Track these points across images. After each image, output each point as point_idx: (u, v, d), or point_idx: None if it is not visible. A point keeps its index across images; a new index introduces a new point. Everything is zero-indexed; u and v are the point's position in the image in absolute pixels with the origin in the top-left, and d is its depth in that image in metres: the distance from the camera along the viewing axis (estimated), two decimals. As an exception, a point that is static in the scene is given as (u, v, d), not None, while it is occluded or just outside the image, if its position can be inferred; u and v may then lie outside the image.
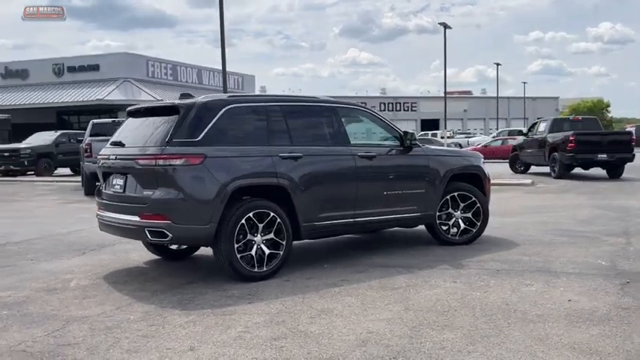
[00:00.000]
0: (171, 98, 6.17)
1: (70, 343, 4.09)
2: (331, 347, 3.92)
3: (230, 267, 5.61)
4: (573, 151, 16.78)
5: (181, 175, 5.45)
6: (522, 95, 74.70)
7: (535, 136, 19.51)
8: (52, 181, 21.64)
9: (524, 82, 73.61)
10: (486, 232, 7.81)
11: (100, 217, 6.24)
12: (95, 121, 18.08)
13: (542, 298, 4.94)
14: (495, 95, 65.86)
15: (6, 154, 24.42)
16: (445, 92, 40.45)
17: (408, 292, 5.25)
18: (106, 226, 6.12)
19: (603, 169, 17.81)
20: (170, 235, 5.43)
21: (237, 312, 4.75)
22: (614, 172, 17.55)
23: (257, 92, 56.17)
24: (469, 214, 7.41)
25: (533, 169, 20.48)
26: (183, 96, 6.15)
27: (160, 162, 5.45)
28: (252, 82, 53.11)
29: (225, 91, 24.15)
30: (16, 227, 9.97)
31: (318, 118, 6.51)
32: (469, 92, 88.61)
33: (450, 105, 71.24)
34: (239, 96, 6.31)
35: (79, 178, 17.94)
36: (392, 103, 74.41)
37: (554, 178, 17.59)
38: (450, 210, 7.37)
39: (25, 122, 40.84)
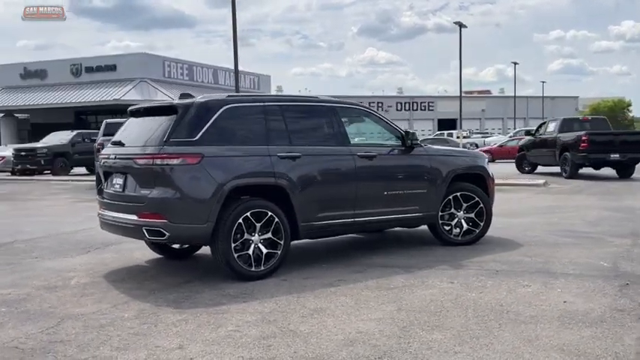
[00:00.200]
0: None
1: (62, 340, 4.14)
2: (318, 347, 3.92)
3: (227, 266, 5.63)
4: (586, 151, 16.76)
5: (178, 175, 5.49)
6: (541, 94, 74.07)
7: (544, 136, 19.46)
8: (68, 180, 21.89)
9: (543, 82, 73.04)
10: (492, 232, 7.77)
11: (101, 216, 6.31)
12: (108, 120, 18.25)
13: (537, 300, 4.91)
14: (515, 94, 65.40)
15: (23, 153, 24.81)
16: (460, 92, 40.19)
17: (404, 292, 5.24)
18: (107, 225, 6.18)
19: (614, 168, 17.76)
20: (167, 234, 5.47)
21: (231, 311, 4.78)
22: (625, 171, 17.51)
23: (273, 92, 56.34)
24: (472, 215, 7.37)
25: (540, 169, 20.47)
26: (183, 96, 6.19)
27: (158, 161, 5.50)
28: (268, 82, 53.23)
29: (237, 90, 24.26)
30: (26, 225, 10.10)
31: (317, 118, 6.51)
32: (488, 92, 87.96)
33: (468, 104, 70.95)
34: (238, 96, 6.34)
35: (94, 178, 18.11)
36: (408, 103, 74.11)
37: (566, 178, 17.54)
38: (453, 210, 7.34)
39: (44, 122, 41.51)
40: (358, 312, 4.67)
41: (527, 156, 20.64)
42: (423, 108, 74.59)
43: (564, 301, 4.83)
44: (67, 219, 10.90)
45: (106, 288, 5.66)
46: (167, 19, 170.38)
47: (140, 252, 7.15)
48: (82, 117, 44.25)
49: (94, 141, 20.59)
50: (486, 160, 7.89)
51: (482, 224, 7.38)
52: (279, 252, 5.87)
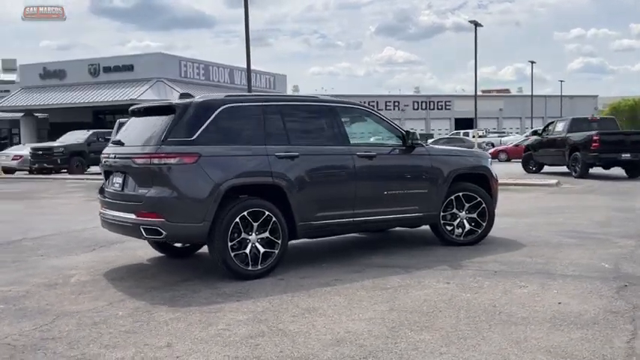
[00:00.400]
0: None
1: (54, 337, 4.20)
2: (305, 346, 3.93)
3: (224, 265, 5.67)
4: (597, 151, 16.85)
5: (175, 174, 5.53)
6: (559, 94, 73.33)
7: (552, 136, 19.54)
8: (83, 179, 22.13)
9: (561, 81, 72.37)
10: (496, 232, 7.73)
11: (102, 215, 6.37)
12: (121, 120, 18.31)
13: (532, 301, 4.87)
14: (534, 94, 64.81)
15: (40, 152, 25.14)
16: (475, 90, 39.95)
17: (398, 292, 5.23)
18: (108, 223, 6.25)
19: (624, 168, 17.84)
20: (164, 232, 5.52)
21: (224, 310, 4.80)
22: (635, 171, 17.53)
23: (289, 92, 56.43)
24: (474, 215, 7.33)
25: (547, 168, 20.54)
26: (183, 96, 6.22)
27: (155, 161, 5.55)
28: (284, 81, 53.25)
29: (249, 90, 24.37)
30: (37, 223, 10.24)
31: (316, 118, 6.52)
32: (507, 90, 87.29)
33: (486, 104, 70.44)
34: (236, 96, 6.36)
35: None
36: (425, 102, 73.77)
37: (575, 177, 17.60)
38: (455, 210, 7.30)
39: (62, 121, 41.92)
40: (350, 312, 4.67)
41: (534, 156, 20.75)
42: (439, 107, 74.19)
43: (559, 303, 4.79)
44: (78, 217, 11.02)
45: (104, 286, 5.72)
46: (187, 19, 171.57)
47: (143, 250, 7.21)
48: (100, 116, 44.62)
49: (108, 140, 20.79)
50: (490, 160, 7.84)
51: (484, 224, 7.34)
52: (276, 251, 5.89)
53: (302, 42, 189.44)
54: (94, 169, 25.75)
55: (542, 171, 20.68)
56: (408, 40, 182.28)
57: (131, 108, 6.55)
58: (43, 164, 24.98)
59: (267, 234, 5.85)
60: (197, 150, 5.59)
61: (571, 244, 7.33)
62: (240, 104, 6.07)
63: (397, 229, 8.05)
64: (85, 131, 26.41)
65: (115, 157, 6.12)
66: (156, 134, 5.69)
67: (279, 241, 5.90)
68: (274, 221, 5.85)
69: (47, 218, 11.09)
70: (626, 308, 4.62)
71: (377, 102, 71.22)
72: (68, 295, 5.40)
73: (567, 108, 72.25)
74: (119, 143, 6.18)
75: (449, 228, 7.31)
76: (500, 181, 16.17)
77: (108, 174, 6.34)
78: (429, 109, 73.36)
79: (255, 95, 6.69)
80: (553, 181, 16.26)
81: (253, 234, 5.78)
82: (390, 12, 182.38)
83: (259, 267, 5.79)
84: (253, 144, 5.94)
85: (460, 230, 7.33)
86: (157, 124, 5.83)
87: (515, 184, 16.15)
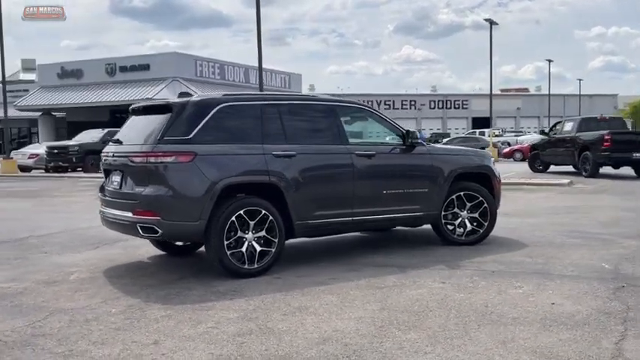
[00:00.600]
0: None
1: (45, 334, 4.25)
2: (290, 345, 3.94)
3: (219, 263, 5.69)
4: (608, 150, 16.93)
5: (171, 173, 5.56)
6: (578, 93, 72.57)
7: (560, 136, 19.57)
8: (96, 177, 22.30)
9: (580, 80, 71.61)
10: (500, 232, 7.69)
11: (102, 213, 6.43)
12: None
13: (525, 301, 4.83)
14: (553, 93, 64.21)
15: (55, 151, 25.43)
16: (491, 89, 39.68)
17: (393, 291, 5.21)
18: (107, 222, 6.31)
19: (634, 168, 17.83)
20: (160, 230, 5.56)
21: (215, 307, 4.82)
22: None
23: (305, 91, 56.47)
24: (476, 215, 7.28)
25: (553, 168, 20.57)
26: (182, 95, 6.27)
27: (151, 159, 5.58)
28: (299, 80, 53.32)
29: (261, 89, 24.45)
30: (46, 221, 10.36)
31: (314, 117, 6.52)
32: (526, 89, 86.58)
33: (503, 103, 69.92)
34: (234, 94, 6.38)
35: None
36: (442, 101, 73.41)
37: (585, 177, 17.61)
38: (456, 210, 7.26)
39: (80, 120, 42.37)
40: (341, 311, 4.67)
41: (541, 155, 20.80)
42: (456, 106, 73.78)
43: (552, 303, 4.75)
44: (86, 215, 11.10)
45: (102, 283, 5.77)
46: (205, 19, 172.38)
47: (144, 249, 7.27)
48: (117, 115, 45.01)
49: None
50: (492, 159, 7.78)
51: (486, 224, 7.29)
52: (273, 250, 5.90)
53: (320, 41, 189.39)
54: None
55: (548, 170, 20.68)
56: (426, 38, 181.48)
57: (131, 107, 6.60)
58: (59, 163, 25.28)
59: (263, 233, 5.86)
60: (193, 149, 5.62)
61: (574, 244, 7.25)
62: (238, 103, 6.08)
63: (401, 228, 8.03)
64: (100, 130, 26.65)
65: (113, 156, 6.17)
66: (153, 133, 5.73)
67: (276, 240, 5.91)
68: (271, 220, 5.86)
69: (56, 216, 11.22)
70: (619, 309, 4.56)
71: (393, 101, 71.08)
72: (65, 292, 5.45)
73: (586, 107, 71.46)
74: (118, 142, 6.23)
75: (450, 227, 7.27)
76: (512, 181, 16.36)
77: (107, 172, 6.40)
78: (446, 108, 72.99)
79: (253, 94, 6.71)
80: (565, 180, 16.11)
81: (250, 233, 5.80)
82: (408, 10, 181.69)
83: (255, 266, 5.81)
84: (250, 143, 5.95)
85: (461, 230, 7.28)
86: (155, 122, 5.86)
87: (527, 184, 16.05)
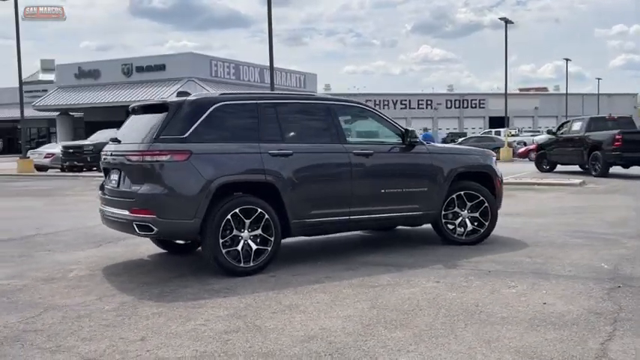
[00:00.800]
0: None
1: (36, 330, 4.31)
2: (275, 342, 3.95)
3: (215, 262, 5.72)
4: (619, 150, 16.87)
5: (167, 171, 5.61)
6: (597, 92, 71.79)
7: (568, 135, 19.51)
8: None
9: (599, 79, 70.82)
10: (504, 232, 7.66)
11: (101, 212, 6.50)
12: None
13: (516, 301, 4.80)
14: (571, 92, 63.58)
15: (70, 150, 25.72)
16: (506, 89, 39.33)
17: (385, 290, 5.21)
18: (106, 220, 6.38)
19: None
20: (155, 229, 5.61)
21: (207, 305, 4.86)
22: None
23: (320, 91, 56.48)
24: (477, 214, 7.24)
25: (560, 167, 20.50)
26: (180, 94, 6.31)
27: (147, 158, 5.64)
28: (314, 80, 53.42)
29: (272, 88, 24.55)
30: (54, 219, 10.49)
31: (312, 116, 6.54)
32: (544, 89, 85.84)
33: (521, 102, 69.37)
34: (231, 94, 6.41)
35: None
36: (459, 100, 72.99)
37: (595, 176, 17.58)
38: (457, 209, 7.23)
39: (97, 120, 42.80)
40: (330, 309, 4.68)
41: (548, 155, 20.73)
42: (473, 106, 73.29)
43: (544, 303, 4.71)
44: (94, 213, 11.16)
45: (99, 281, 5.84)
46: (223, 19, 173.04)
47: (145, 247, 7.33)
48: (134, 115, 45.46)
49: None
50: (494, 159, 7.73)
51: (487, 224, 7.25)
52: (269, 248, 5.92)
53: (337, 41, 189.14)
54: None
55: (555, 170, 20.61)
56: (444, 38, 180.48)
57: (130, 106, 6.66)
58: (74, 162, 25.55)
59: (259, 231, 5.88)
60: (188, 147, 5.66)
61: (576, 244, 7.19)
62: (234, 102, 6.12)
63: (404, 227, 8.01)
64: (115, 130, 26.78)
65: (112, 155, 6.24)
66: (150, 132, 5.78)
67: (272, 239, 5.93)
68: (267, 218, 5.88)
69: (66, 215, 11.35)
70: (611, 309, 4.52)
71: (409, 100, 70.82)
72: (62, 289, 5.52)
73: (605, 106, 70.58)
74: (117, 141, 6.29)
75: (450, 227, 7.24)
76: (524, 181, 16.23)
77: (106, 171, 6.47)
78: (463, 107, 72.55)
79: (249, 93, 6.72)
80: (577, 180, 15.95)
81: (245, 231, 5.83)
82: (426, 10, 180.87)
83: (251, 264, 5.83)
84: (247, 141, 5.98)
85: (462, 229, 7.25)
86: (152, 122, 5.92)
87: (539, 184, 15.92)
